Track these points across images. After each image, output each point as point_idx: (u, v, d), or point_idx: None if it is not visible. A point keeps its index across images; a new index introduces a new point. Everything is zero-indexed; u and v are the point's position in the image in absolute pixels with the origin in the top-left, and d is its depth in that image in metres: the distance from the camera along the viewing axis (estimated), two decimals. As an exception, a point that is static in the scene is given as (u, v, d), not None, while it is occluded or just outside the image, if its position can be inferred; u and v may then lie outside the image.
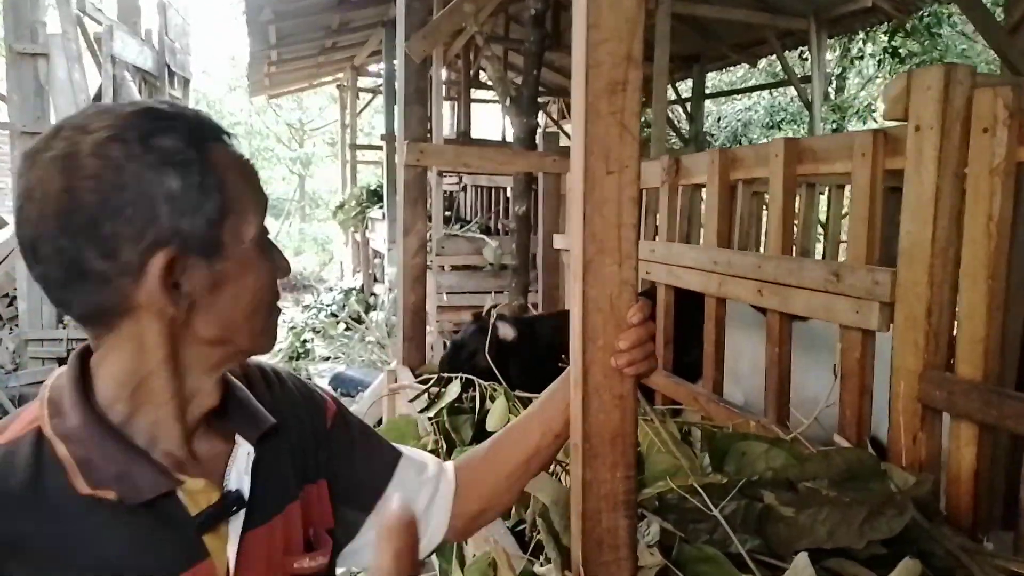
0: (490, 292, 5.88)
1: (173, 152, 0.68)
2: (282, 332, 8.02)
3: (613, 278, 1.00)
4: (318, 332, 8.01)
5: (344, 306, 8.68)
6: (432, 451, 1.81)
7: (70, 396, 0.71)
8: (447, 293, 5.65)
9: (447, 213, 6.83)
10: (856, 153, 1.50)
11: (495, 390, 1.95)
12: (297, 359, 7.17)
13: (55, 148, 0.66)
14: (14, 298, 5.63)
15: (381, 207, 8.28)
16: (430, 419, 1.89)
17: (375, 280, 9.14)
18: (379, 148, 9.64)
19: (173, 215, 0.68)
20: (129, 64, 6.84)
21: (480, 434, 1.81)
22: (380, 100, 12.67)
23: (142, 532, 0.70)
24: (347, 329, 8.04)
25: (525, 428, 1.07)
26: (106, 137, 0.66)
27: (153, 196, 0.67)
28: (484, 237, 5.84)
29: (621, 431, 1.01)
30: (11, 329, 5.60)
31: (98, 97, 6.34)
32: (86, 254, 0.65)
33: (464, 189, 7.84)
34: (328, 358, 7.18)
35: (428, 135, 5.28)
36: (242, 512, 0.77)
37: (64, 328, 5.57)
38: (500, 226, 6.80)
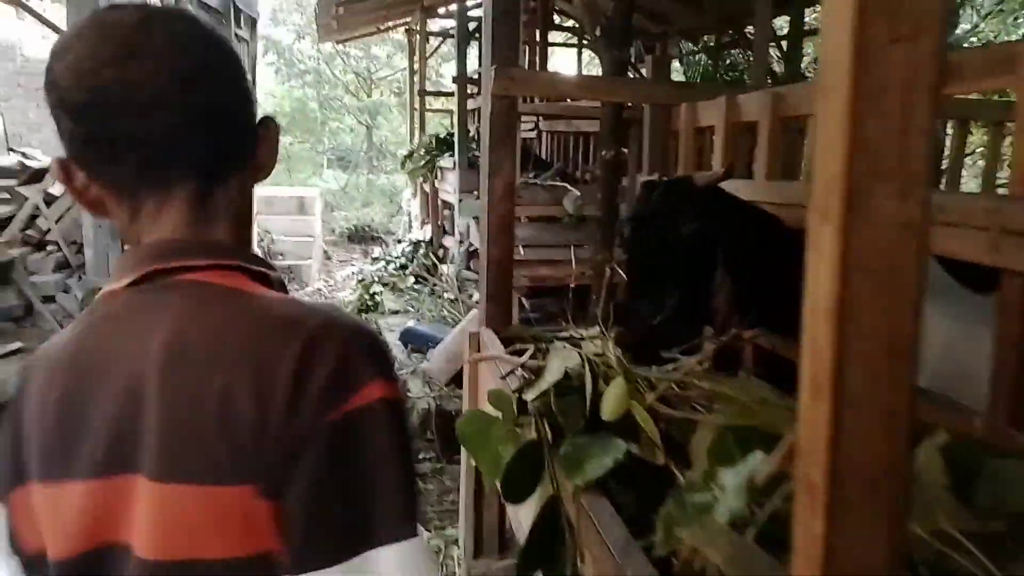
0: (569, 246, 5.46)
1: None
2: (351, 284, 7.84)
3: (892, 218, 0.60)
4: (387, 285, 7.80)
5: (413, 258, 8.42)
6: (534, 440, 1.47)
7: (240, 252, 0.75)
8: (523, 246, 5.25)
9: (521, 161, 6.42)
10: None
11: (610, 368, 1.58)
12: (366, 312, 6.98)
13: (174, 19, 0.70)
14: (82, 245, 5.52)
15: (451, 156, 7.91)
16: (531, 401, 1.54)
17: (444, 232, 8.83)
18: (450, 95, 9.21)
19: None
20: (193, -6, 6.58)
21: (595, 422, 1.45)
22: (447, 48, 12.20)
23: None
24: (416, 282, 7.80)
25: None
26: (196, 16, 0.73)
27: None
28: (565, 185, 5.41)
29: (890, 468, 0.62)
30: (80, 277, 5.50)
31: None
32: (245, 100, 0.75)
33: (539, 136, 7.41)
34: (397, 311, 6.95)
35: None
36: None
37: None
38: (580, 174, 6.36)
